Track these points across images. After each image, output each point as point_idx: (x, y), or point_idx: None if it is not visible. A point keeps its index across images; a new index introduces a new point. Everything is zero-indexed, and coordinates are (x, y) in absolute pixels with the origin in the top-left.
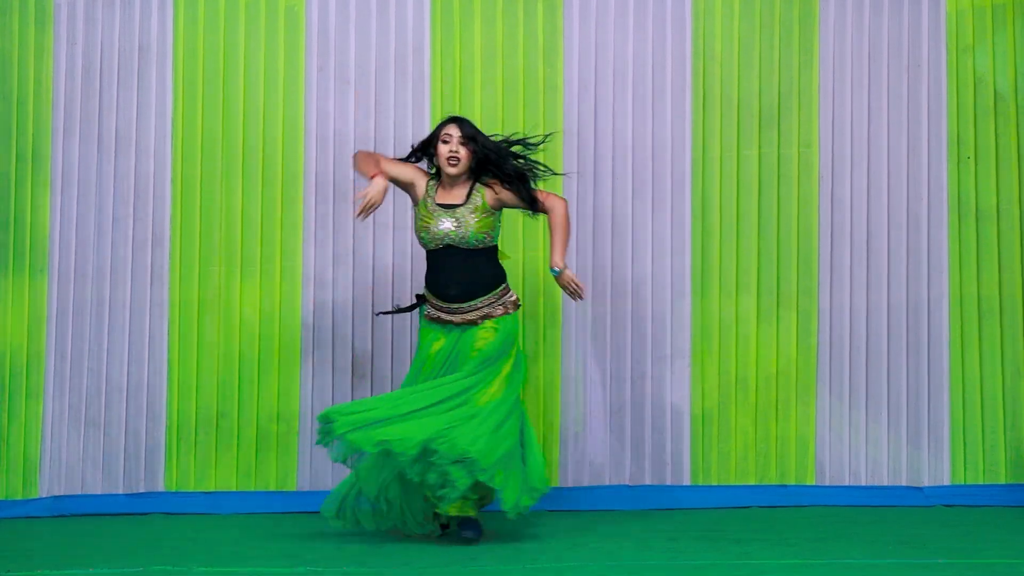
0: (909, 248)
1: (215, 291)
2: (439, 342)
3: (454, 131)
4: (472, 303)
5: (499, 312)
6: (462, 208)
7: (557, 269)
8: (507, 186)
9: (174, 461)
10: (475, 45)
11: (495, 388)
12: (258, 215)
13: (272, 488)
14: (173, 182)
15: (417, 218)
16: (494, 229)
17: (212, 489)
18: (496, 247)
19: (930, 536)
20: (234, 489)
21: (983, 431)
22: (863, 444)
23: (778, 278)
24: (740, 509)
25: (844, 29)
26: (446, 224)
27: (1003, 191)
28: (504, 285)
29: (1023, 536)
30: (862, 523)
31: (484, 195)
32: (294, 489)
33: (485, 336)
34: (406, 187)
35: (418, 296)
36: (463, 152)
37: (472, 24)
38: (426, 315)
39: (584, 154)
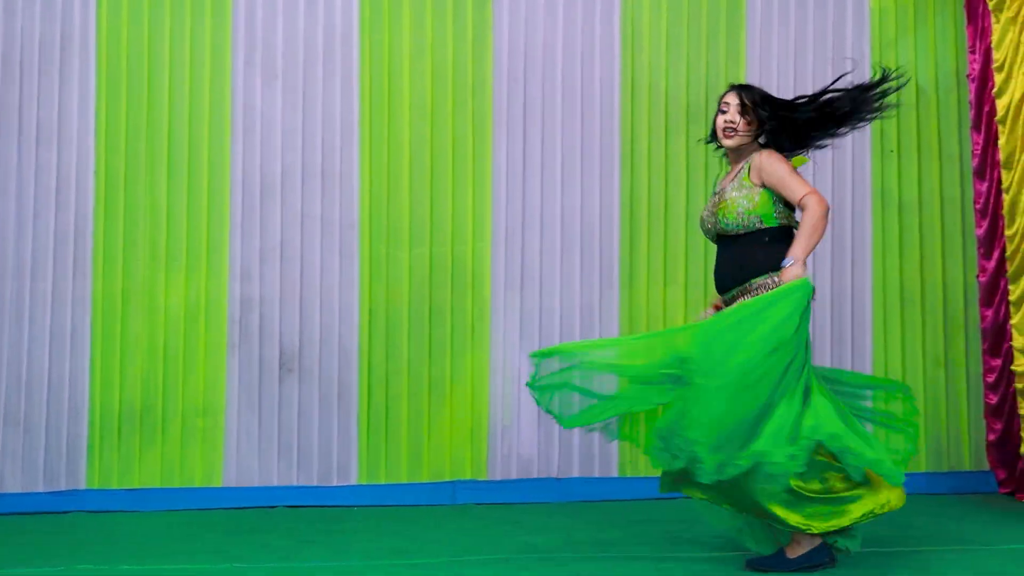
0: (833, 239)
1: (139, 284)
2: None
3: (732, 99)
4: (733, 292)
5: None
6: (728, 179)
7: (790, 259)
8: (812, 140)
9: (96, 458)
10: (404, 38)
11: None
12: (184, 208)
13: (197, 484)
14: (96, 174)
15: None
16: (761, 209)
17: (136, 486)
18: (770, 230)
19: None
20: (158, 485)
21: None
22: None
23: (705, 270)
24: (667, 500)
25: (770, 23)
26: (705, 211)
27: (925, 183)
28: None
29: (943, 523)
30: None
31: (750, 166)
32: (220, 485)
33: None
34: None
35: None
36: (741, 122)
37: (401, 17)
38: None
39: (513, 147)
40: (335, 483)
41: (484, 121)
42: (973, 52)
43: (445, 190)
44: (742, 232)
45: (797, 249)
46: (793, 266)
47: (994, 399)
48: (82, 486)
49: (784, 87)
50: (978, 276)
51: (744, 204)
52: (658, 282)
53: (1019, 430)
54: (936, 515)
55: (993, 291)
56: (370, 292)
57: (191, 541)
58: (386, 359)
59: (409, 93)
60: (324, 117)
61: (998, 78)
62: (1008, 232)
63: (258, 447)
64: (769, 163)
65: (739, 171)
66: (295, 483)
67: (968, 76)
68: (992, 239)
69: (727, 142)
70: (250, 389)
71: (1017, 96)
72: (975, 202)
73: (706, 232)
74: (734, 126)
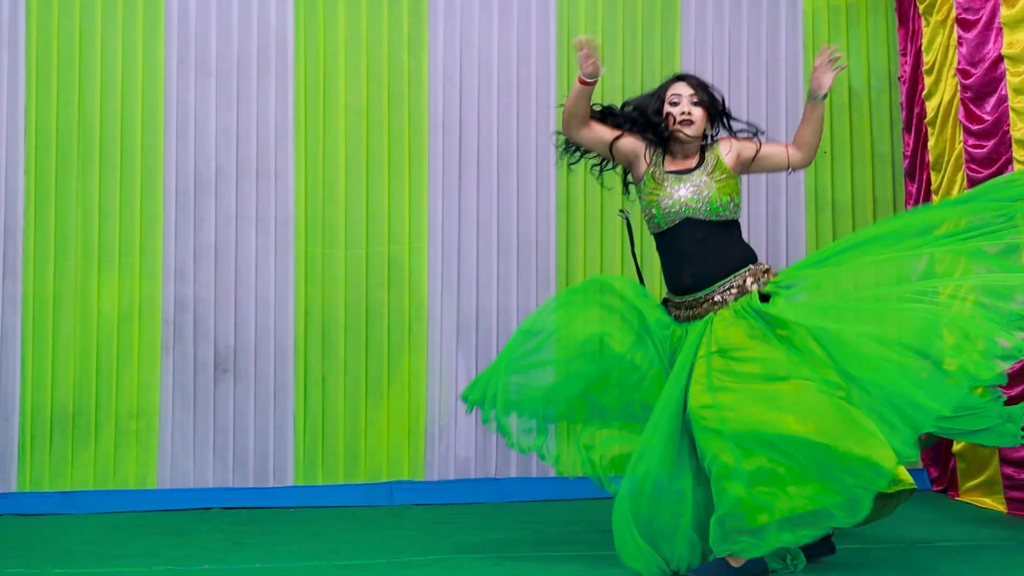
0: (768, 241)
1: (71, 285)
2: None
3: (684, 90)
4: (709, 291)
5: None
6: (695, 173)
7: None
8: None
9: (28, 460)
10: (339, 35)
11: None
12: (116, 207)
13: (131, 487)
14: (26, 172)
15: (643, 195)
16: (737, 194)
17: (68, 488)
18: (738, 223)
19: None
20: (91, 488)
21: None
22: None
23: (645, 270)
24: (606, 500)
25: (705, 25)
26: (682, 191)
27: (857, 185)
28: (748, 267)
29: (877, 521)
30: None
31: (718, 154)
32: (154, 487)
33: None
34: (626, 158)
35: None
36: (697, 113)
37: (336, 14)
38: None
39: (449, 146)
40: (271, 484)
41: (420, 120)
42: (904, 54)
43: (381, 190)
44: (724, 220)
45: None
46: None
47: None
48: (13, 489)
49: (719, 87)
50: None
51: (723, 188)
52: None
53: None
54: None
55: None
56: (306, 292)
57: (124, 544)
58: (322, 359)
59: (344, 92)
60: (259, 116)
61: (928, 80)
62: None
63: (193, 449)
64: (736, 141)
65: (704, 161)
66: (230, 485)
67: (899, 78)
68: None
69: (688, 131)
70: (185, 390)
71: (946, 98)
72: (906, 203)
73: (668, 218)
74: (691, 118)
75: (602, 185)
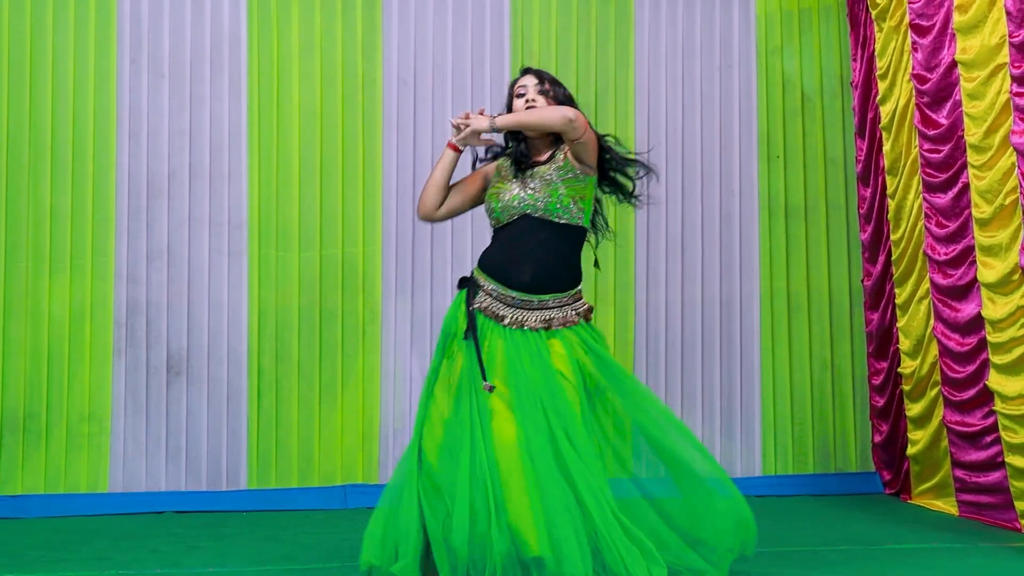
0: (722, 244)
1: (22, 287)
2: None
3: (529, 81)
4: (544, 298)
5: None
6: (543, 167)
7: (490, 119)
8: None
9: None
10: (293, 37)
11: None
12: (68, 209)
13: (83, 490)
14: None
15: (489, 196)
16: (584, 201)
17: (18, 492)
18: (585, 233)
19: None
20: (42, 492)
21: (792, 423)
22: None
23: (595, 274)
24: None
25: (658, 29)
26: (521, 186)
27: (810, 189)
28: (579, 289)
29: (830, 524)
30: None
31: (567, 153)
32: (106, 491)
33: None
34: (480, 194)
35: (464, 280)
36: (541, 101)
37: (290, 16)
38: (477, 306)
39: (403, 149)
40: (224, 488)
41: (374, 122)
42: (856, 60)
43: (335, 192)
44: (566, 224)
45: (508, 115)
46: (493, 119)
47: (880, 401)
48: None
49: (673, 91)
50: (863, 280)
51: (569, 190)
52: None
53: (905, 431)
54: (822, 516)
55: (879, 295)
56: (259, 295)
57: (76, 548)
58: (276, 362)
59: (298, 93)
60: (212, 117)
61: (882, 85)
62: (894, 237)
63: (145, 452)
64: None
65: (552, 160)
66: (183, 488)
67: (851, 83)
68: (877, 244)
69: None
70: (137, 393)
71: (902, 103)
72: (859, 207)
73: (507, 211)
74: (535, 104)
75: None
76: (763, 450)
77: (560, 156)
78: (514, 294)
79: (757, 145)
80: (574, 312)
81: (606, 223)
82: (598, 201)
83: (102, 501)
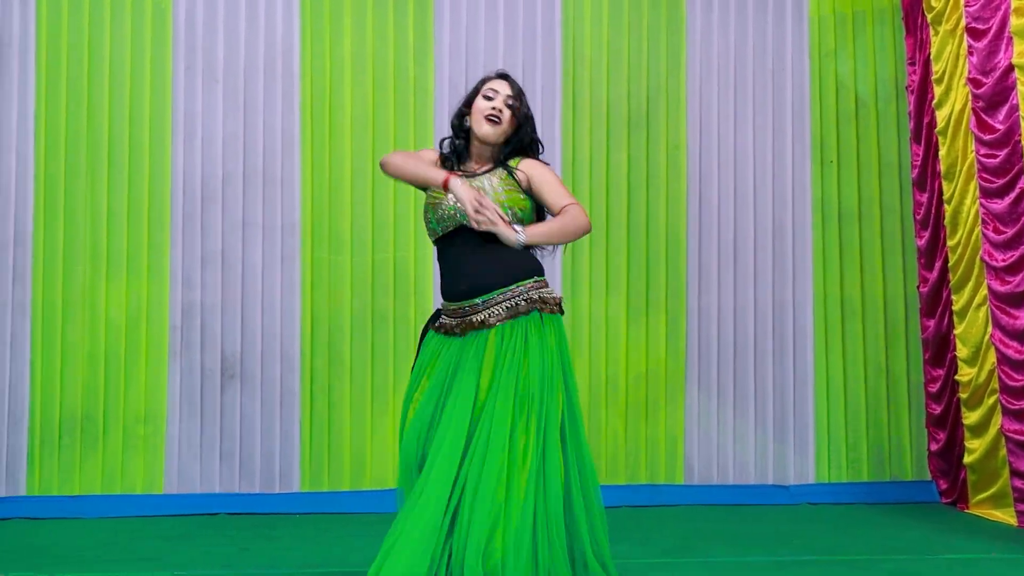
0: (775, 250)
1: (79, 291)
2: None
3: (502, 87)
4: (487, 297)
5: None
6: (484, 176)
7: (521, 232)
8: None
9: (36, 464)
10: (345, 44)
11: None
12: (124, 214)
13: (138, 491)
14: (36, 180)
15: (427, 204)
16: (524, 212)
17: (76, 493)
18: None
19: (796, 534)
20: (99, 492)
21: (846, 430)
22: (730, 443)
23: (647, 280)
24: (610, 509)
25: (710, 34)
26: (448, 200)
27: (864, 194)
28: (537, 279)
29: (885, 532)
30: (730, 522)
31: (514, 166)
32: (161, 492)
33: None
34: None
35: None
36: (507, 114)
37: (342, 23)
38: (435, 327)
39: None
40: (277, 490)
41: (425, 128)
42: (912, 63)
43: (387, 196)
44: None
45: (538, 228)
46: (519, 234)
47: (937, 409)
48: (22, 493)
49: (725, 96)
50: (919, 286)
51: (509, 200)
52: (600, 292)
53: (963, 439)
54: (878, 524)
55: (935, 301)
56: (312, 298)
57: (131, 549)
58: (328, 365)
59: (350, 99)
60: (265, 122)
61: (938, 90)
62: (951, 243)
63: (200, 454)
64: (540, 167)
65: (493, 171)
66: (237, 490)
67: (907, 87)
68: (934, 250)
69: (487, 129)
70: (192, 396)
71: (957, 108)
72: (915, 213)
73: (443, 223)
74: (499, 117)
75: None
76: (816, 457)
77: (501, 171)
78: (459, 305)
79: (811, 150)
80: (528, 300)
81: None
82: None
83: (157, 502)
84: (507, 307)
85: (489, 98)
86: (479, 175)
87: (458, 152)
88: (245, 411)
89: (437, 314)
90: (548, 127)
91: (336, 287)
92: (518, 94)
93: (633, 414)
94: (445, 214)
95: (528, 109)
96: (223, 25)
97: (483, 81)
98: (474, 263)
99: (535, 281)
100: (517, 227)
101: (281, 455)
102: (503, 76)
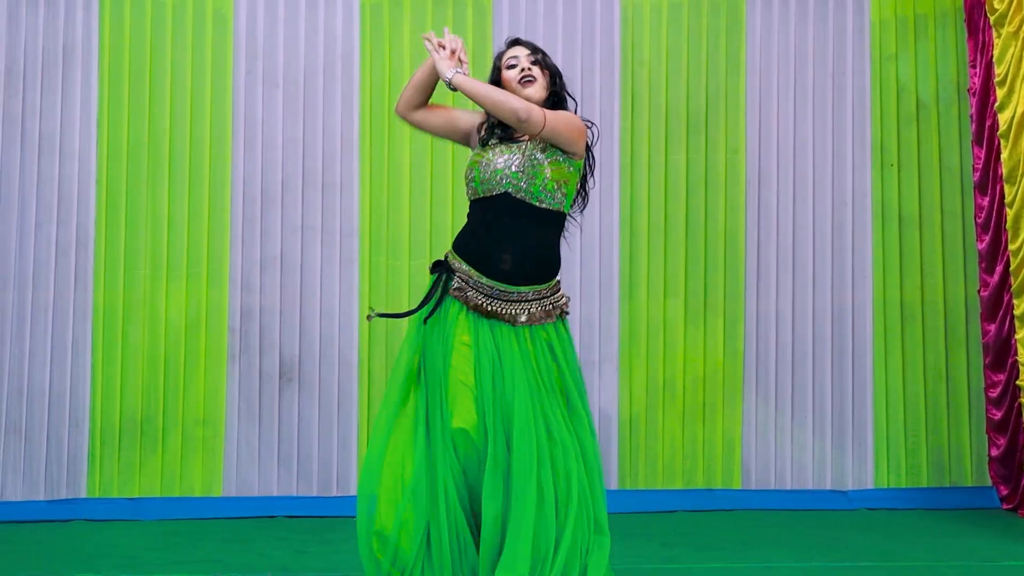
0: (834, 253)
1: (140, 295)
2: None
3: (521, 51)
4: (523, 290)
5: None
6: (530, 143)
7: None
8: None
9: (97, 466)
10: (404, 48)
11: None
12: (184, 218)
13: (197, 494)
14: (98, 185)
15: (471, 161)
16: (568, 186)
17: (136, 495)
18: (564, 219)
19: (854, 539)
20: (158, 495)
21: (905, 435)
22: (788, 448)
23: (705, 282)
24: (667, 513)
25: (770, 36)
26: (506, 160)
27: (925, 198)
28: (558, 280)
29: (944, 539)
30: (787, 527)
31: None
32: (219, 495)
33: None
34: (464, 135)
35: (437, 264)
36: (537, 71)
37: (401, 27)
38: (453, 291)
39: None
40: (335, 493)
41: None
42: (974, 66)
43: (445, 201)
44: (547, 210)
45: (476, 82)
46: (450, 71)
47: (998, 414)
48: (83, 495)
49: (785, 98)
50: (980, 291)
51: (555, 173)
52: (658, 295)
53: (1023, 445)
54: (936, 530)
55: (996, 306)
56: (370, 302)
57: (189, 551)
58: (386, 370)
59: None
60: (325, 127)
61: (1000, 92)
62: (1012, 247)
63: (258, 457)
64: (564, 112)
65: (534, 140)
66: (294, 493)
67: (969, 90)
68: (995, 254)
69: (530, 90)
70: (250, 399)
71: (1020, 110)
72: (976, 216)
73: (486, 185)
74: (531, 75)
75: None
76: (875, 462)
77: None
78: (492, 283)
79: (871, 153)
80: (553, 306)
81: (582, 209)
82: (583, 186)
83: (215, 505)
84: (539, 308)
85: (513, 66)
86: (524, 141)
87: (495, 124)
88: (303, 414)
89: (448, 271)
90: (607, 128)
91: (394, 291)
92: (537, 50)
93: (690, 418)
94: (490, 176)
95: (551, 62)
96: (283, 30)
97: (499, 56)
98: (514, 240)
99: (557, 282)
100: (456, 68)
101: (338, 458)
102: (515, 41)
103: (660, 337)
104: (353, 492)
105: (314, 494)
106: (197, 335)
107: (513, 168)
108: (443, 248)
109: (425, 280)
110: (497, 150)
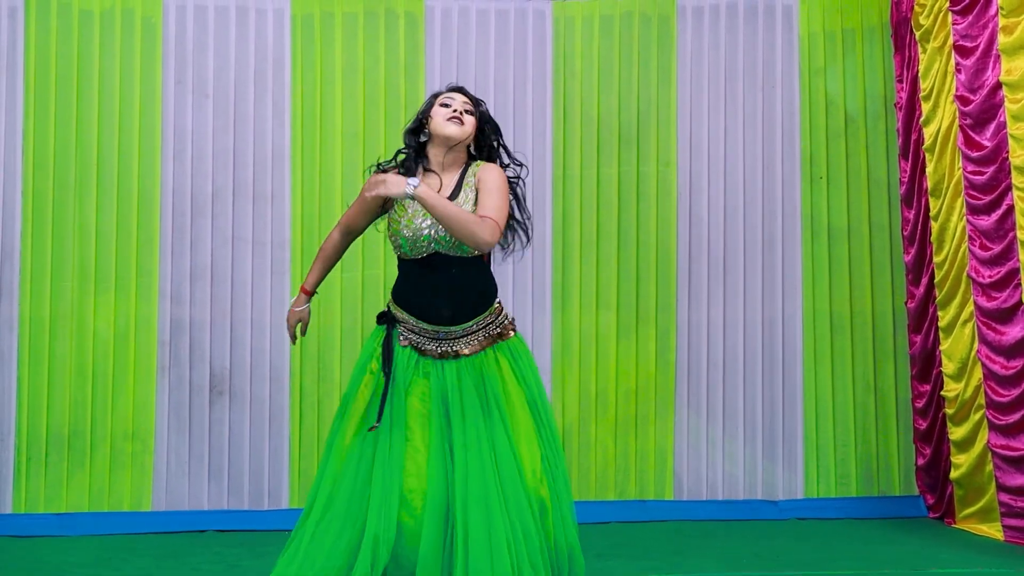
0: (764, 265)
1: (68, 307)
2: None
3: (459, 97)
4: (467, 325)
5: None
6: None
7: (415, 184)
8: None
9: (23, 481)
10: (336, 59)
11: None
12: (113, 229)
13: (126, 508)
14: (24, 195)
15: (392, 220)
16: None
17: (63, 510)
18: (488, 255)
19: (784, 549)
20: (86, 510)
21: (835, 445)
22: (720, 459)
23: (637, 295)
24: (600, 524)
25: (701, 50)
26: (431, 223)
27: (853, 211)
28: (499, 300)
29: (873, 547)
30: (719, 537)
31: (477, 178)
32: (149, 509)
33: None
34: (380, 208)
35: (382, 316)
36: (468, 119)
37: (333, 38)
38: (406, 342)
39: None
40: (266, 507)
41: None
42: (900, 81)
43: None
44: (474, 256)
45: (439, 198)
46: (409, 186)
47: (923, 424)
48: (8, 510)
49: (715, 112)
50: (906, 302)
51: None
52: (590, 307)
53: (948, 455)
54: (865, 539)
55: (922, 317)
56: None
57: (119, 566)
58: (318, 382)
59: (341, 114)
60: (256, 138)
61: (925, 107)
62: (937, 259)
63: (188, 471)
64: (494, 172)
65: (456, 183)
66: (225, 507)
67: (895, 104)
68: (921, 266)
69: (452, 129)
70: (180, 412)
71: (945, 124)
72: (903, 229)
73: (416, 250)
74: (460, 119)
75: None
76: (805, 472)
77: (472, 180)
78: (436, 328)
79: (800, 166)
80: (498, 328)
81: (524, 245)
82: (513, 226)
83: (145, 519)
84: (484, 335)
85: (446, 106)
86: (449, 191)
87: (417, 157)
88: (234, 428)
89: (391, 322)
90: (539, 142)
91: (326, 303)
92: (475, 100)
93: (623, 429)
94: (418, 242)
95: (489, 115)
96: (214, 39)
97: (435, 96)
98: (451, 287)
99: (498, 303)
100: (412, 181)
101: (270, 472)
102: (457, 88)
103: (592, 349)
104: (285, 505)
105: (245, 508)
106: (126, 347)
107: (441, 232)
108: (376, 259)
109: (357, 293)
110: (421, 211)
